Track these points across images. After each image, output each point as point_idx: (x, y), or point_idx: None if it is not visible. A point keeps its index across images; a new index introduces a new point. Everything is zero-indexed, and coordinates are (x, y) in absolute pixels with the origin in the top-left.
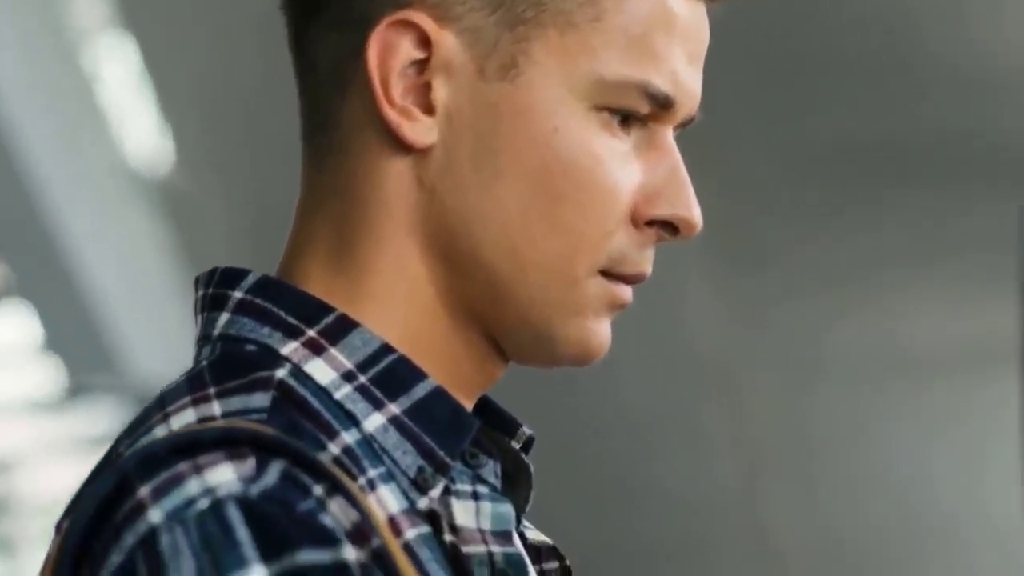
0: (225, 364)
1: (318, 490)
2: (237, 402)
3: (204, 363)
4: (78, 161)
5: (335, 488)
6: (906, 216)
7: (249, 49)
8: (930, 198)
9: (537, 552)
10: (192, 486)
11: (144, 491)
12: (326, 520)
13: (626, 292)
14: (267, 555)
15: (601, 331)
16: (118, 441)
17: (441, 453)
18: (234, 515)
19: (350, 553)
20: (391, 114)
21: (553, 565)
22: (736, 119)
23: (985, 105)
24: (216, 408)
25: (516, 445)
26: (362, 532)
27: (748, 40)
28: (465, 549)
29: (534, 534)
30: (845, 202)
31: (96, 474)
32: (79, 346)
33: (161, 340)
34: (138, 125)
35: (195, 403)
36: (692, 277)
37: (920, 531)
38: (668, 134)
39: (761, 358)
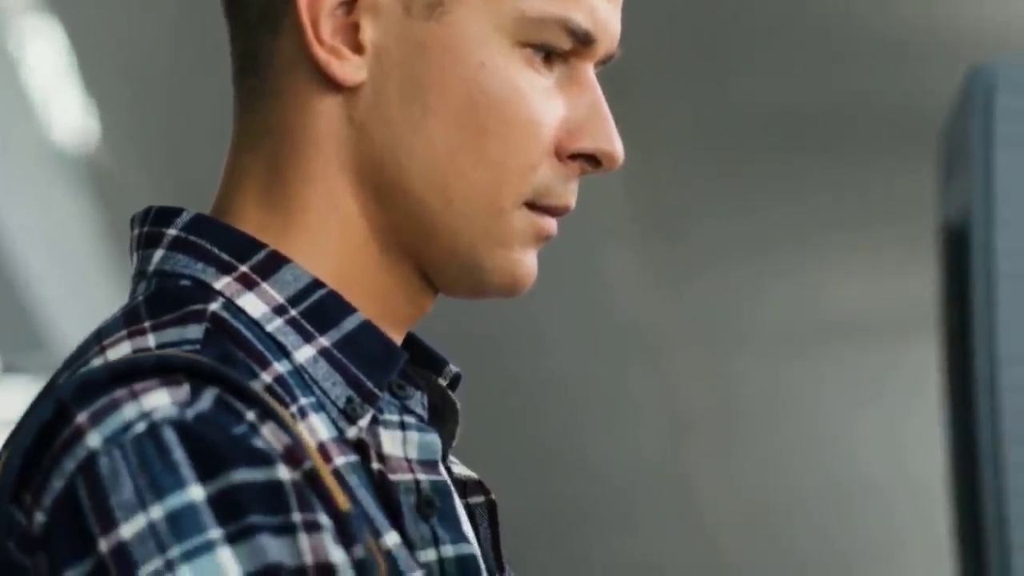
0: (160, 299)
1: (250, 415)
2: (171, 334)
3: (140, 298)
4: (4, 142)
5: (267, 414)
6: (828, 184)
7: (173, 28)
8: (852, 166)
9: (463, 486)
10: (129, 411)
11: (82, 417)
12: (259, 443)
13: (551, 224)
14: (203, 475)
15: (527, 262)
16: (57, 374)
17: (369, 384)
18: (170, 437)
19: (284, 473)
20: (321, 53)
21: (479, 499)
22: (658, 86)
23: (907, 73)
24: (151, 340)
25: (443, 382)
26: (294, 455)
27: (669, 5)
28: (392, 477)
29: (460, 469)
30: (768, 170)
31: (35, 405)
32: (8, 326)
33: (91, 318)
34: (64, 105)
35: (131, 336)
36: (616, 245)
37: (843, 494)
38: (589, 70)
39: (685, 325)
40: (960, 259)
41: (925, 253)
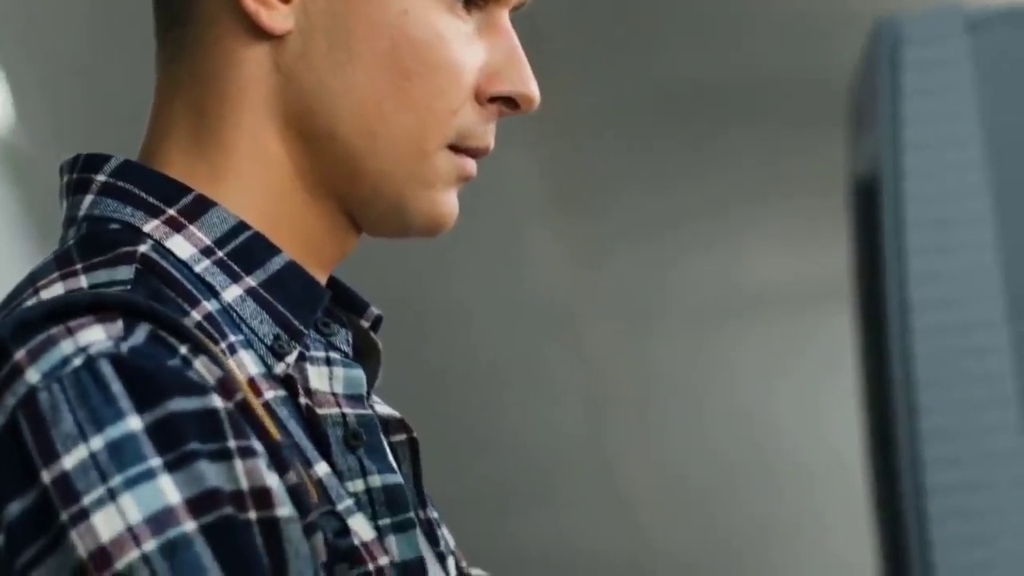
0: (90, 242)
1: (183, 349)
2: (103, 275)
3: (71, 242)
4: None
5: (199, 348)
6: (743, 157)
7: (87, 6)
8: (765, 139)
9: (386, 424)
10: (66, 346)
11: (20, 354)
12: (192, 375)
13: (472, 165)
14: (141, 405)
15: (449, 202)
16: None
17: (295, 322)
18: (107, 370)
19: (218, 401)
20: (250, 3)
21: (401, 437)
22: (572, 64)
23: (816, 45)
24: (83, 281)
25: (365, 324)
26: (226, 386)
27: None
28: (320, 411)
29: (383, 408)
30: (682, 145)
31: None
32: None
33: None
34: None
35: (63, 277)
36: (533, 222)
37: (765, 466)
38: (505, 16)
39: (603, 300)
40: (870, 210)
41: (840, 224)
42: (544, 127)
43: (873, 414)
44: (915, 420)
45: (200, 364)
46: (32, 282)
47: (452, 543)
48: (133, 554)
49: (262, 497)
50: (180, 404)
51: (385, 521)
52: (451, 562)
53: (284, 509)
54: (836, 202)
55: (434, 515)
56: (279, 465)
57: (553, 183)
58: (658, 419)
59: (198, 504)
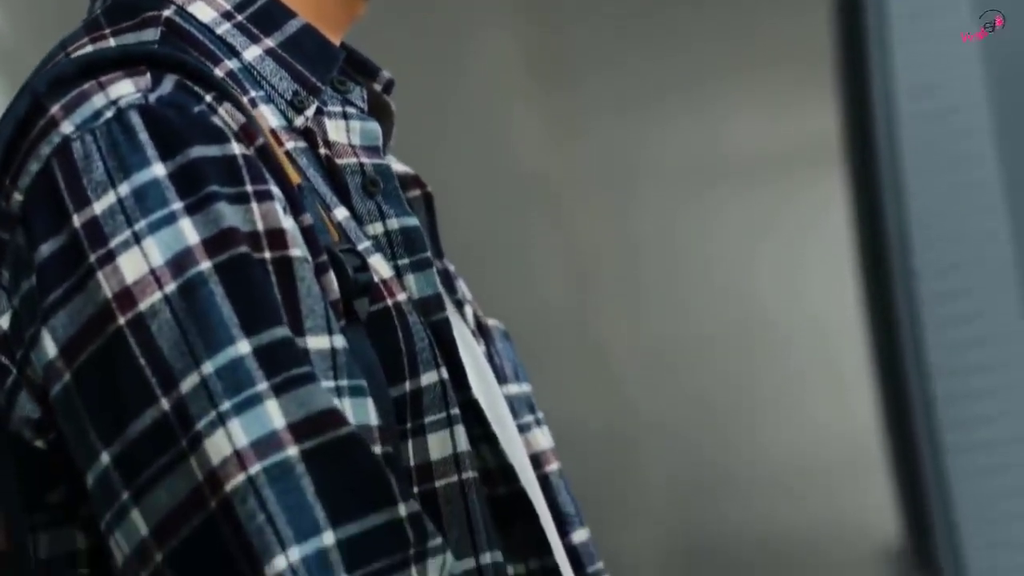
0: (117, 9)
1: (208, 97)
2: (130, 37)
3: (98, 12)
4: None
5: (223, 96)
6: (722, 26)
7: None
8: (744, 8)
9: (402, 181)
10: (97, 100)
11: (55, 108)
12: (216, 121)
13: None
14: (164, 153)
15: None
16: (27, 82)
17: (313, 78)
18: (136, 121)
19: (238, 148)
20: None
21: (416, 193)
22: None
23: None
24: (112, 43)
25: (378, 87)
26: (248, 132)
27: None
28: (339, 161)
29: (398, 165)
30: (661, 15)
31: (11, 106)
32: None
33: None
34: None
35: (92, 41)
36: (512, 97)
37: (745, 332)
38: None
39: (585, 173)
40: (855, 24)
41: (821, 90)
42: (522, 2)
43: (867, 267)
44: (908, 258)
45: (224, 111)
46: (63, 48)
47: (469, 294)
48: (155, 296)
49: (276, 238)
50: (202, 151)
51: (403, 261)
52: (468, 309)
53: (297, 250)
54: (817, 69)
55: (451, 267)
56: (295, 208)
57: (533, 59)
58: (640, 288)
59: (215, 243)
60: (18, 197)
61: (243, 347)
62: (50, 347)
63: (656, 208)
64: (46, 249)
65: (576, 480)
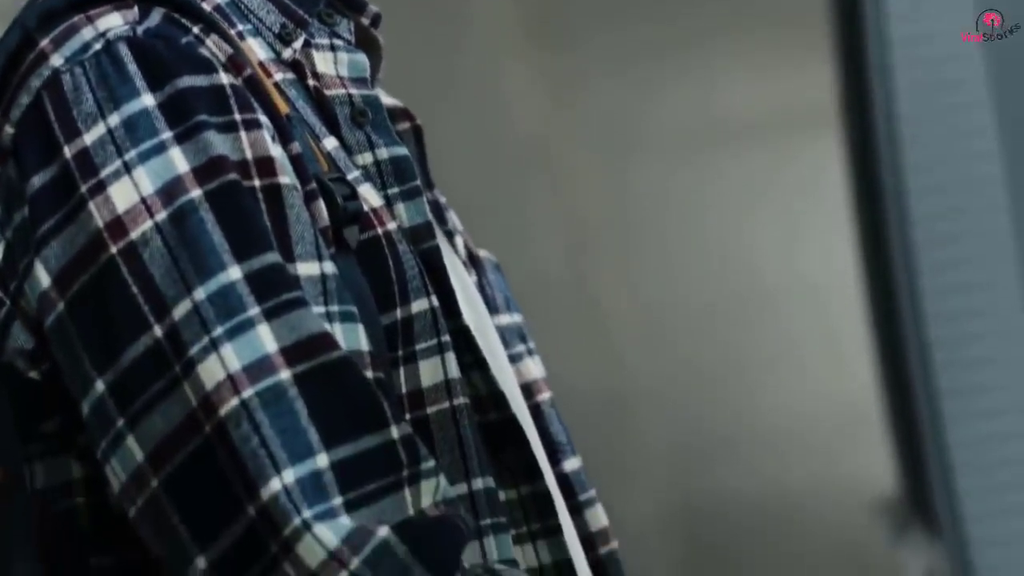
0: None
1: (195, 29)
2: None
3: None
4: None
5: (210, 27)
6: None
7: None
8: None
9: (391, 114)
10: (86, 33)
11: (45, 42)
12: (203, 52)
13: None
14: (153, 84)
15: None
16: (19, 15)
17: (300, 11)
18: (124, 53)
19: (226, 78)
20: None
21: (405, 126)
22: None
23: None
24: None
25: (366, 22)
26: (236, 63)
27: None
28: (327, 92)
29: (387, 98)
30: None
31: (2, 39)
32: None
33: None
34: None
35: None
36: (508, 60)
37: (742, 297)
38: None
39: (581, 135)
40: None
41: (818, 53)
42: None
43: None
44: (906, 223)
45: (211, 42)
46: None
47: (460, 225)
48: (146, 224)
49: (265, 166)
50: (190, 81)
51: (393, 190)
52: (459, 240)
53: (286, 177)
54: (813, 32)
55: (442, 199)
56: (284, 137)
57: (529, 21)
58: (638, 253)
59: (204, 171)
60: (9, 130)
61: (234, 273)
62: (43, 277)
63: (653, 172)
64: (37, 181)
65: (575, 445)
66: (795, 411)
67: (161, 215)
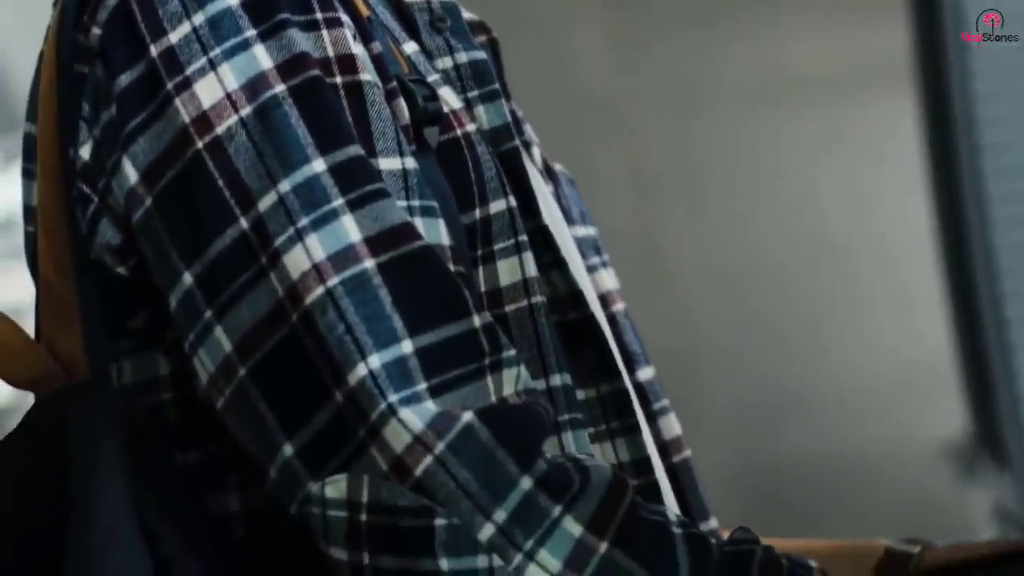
0: None
1: None
2: None
3: None
4: None
5: None
6: None
7: None
8: None
9: (468, 25)
10: None
11: None
12: None
13: None
14: None
15: None
16: None
17: None
18: None
19: None
20: None
21: (482, 38)
22: None
23: None
24: None
25: None
26: None
27: None
28: None
29: (465, 12)
30: None
31: None
32: None
33: None
34: None
35: None
36: (578, 20)
37: (811, 253)
38: None
39: (649, 92)
40: None
41: (889, 8)
42: None
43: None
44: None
45: None
46: None
47: (536, 138)
48: (231, 119)
49: (347, 63)
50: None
51: (473, 93)
52: (536, 151)
53: (367, 75)
54: None
55: (519, 111)
56: (364, 36)
57: None
58: (706, 209)
59: (288, 68)
60: (96, 31)
61: (318, 165)
62: (131, 173)
63: (722, 128)
64: (124, 79)
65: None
66: (865, 368)
67: (246, 110)
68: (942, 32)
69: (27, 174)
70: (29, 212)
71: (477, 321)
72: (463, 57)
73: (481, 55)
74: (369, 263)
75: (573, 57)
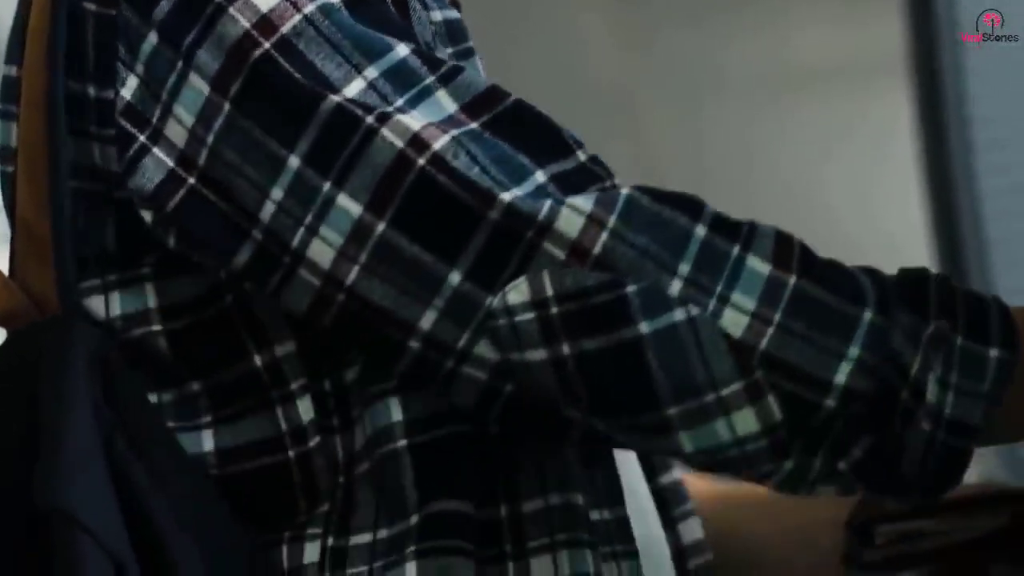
0: None
1: None
2: None
3: None
4: None
5: None
6: None
7: None
8: None
9: None
10: None
11: None
12: None
13: None
14: None
15: None
16: None
17: None
18: None
19: None
20: None
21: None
22: None
23: None
24: None
25: None
26: None
27: None
28: None
29: None
30: None
31: None
32: None
33: None
34: None
35: None
36: (585, 10)
37: (819, 248)
38: None
39: (656, 82)
40: None
41: (893, 2)
42: None
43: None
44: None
45: None
46: None
47: None
48: (295, 17)
49: None
50: None
51: (448, 50)
52: None
53: None
54: None
55: None
56: None
57: None
58: (712, 199)
59: None
60: None
61: (402, 50)
62: (201, 86)
63: (729, 119)
64: (166, 4)
65: None
66: None
67: (309, 7)
68: (937, 30)
69: (6, 115)
70: (7, 153)
71: (583, 156)
72: (438, 16)
73: (455, 14)
74: (474, 124)
75: (580, 48)
